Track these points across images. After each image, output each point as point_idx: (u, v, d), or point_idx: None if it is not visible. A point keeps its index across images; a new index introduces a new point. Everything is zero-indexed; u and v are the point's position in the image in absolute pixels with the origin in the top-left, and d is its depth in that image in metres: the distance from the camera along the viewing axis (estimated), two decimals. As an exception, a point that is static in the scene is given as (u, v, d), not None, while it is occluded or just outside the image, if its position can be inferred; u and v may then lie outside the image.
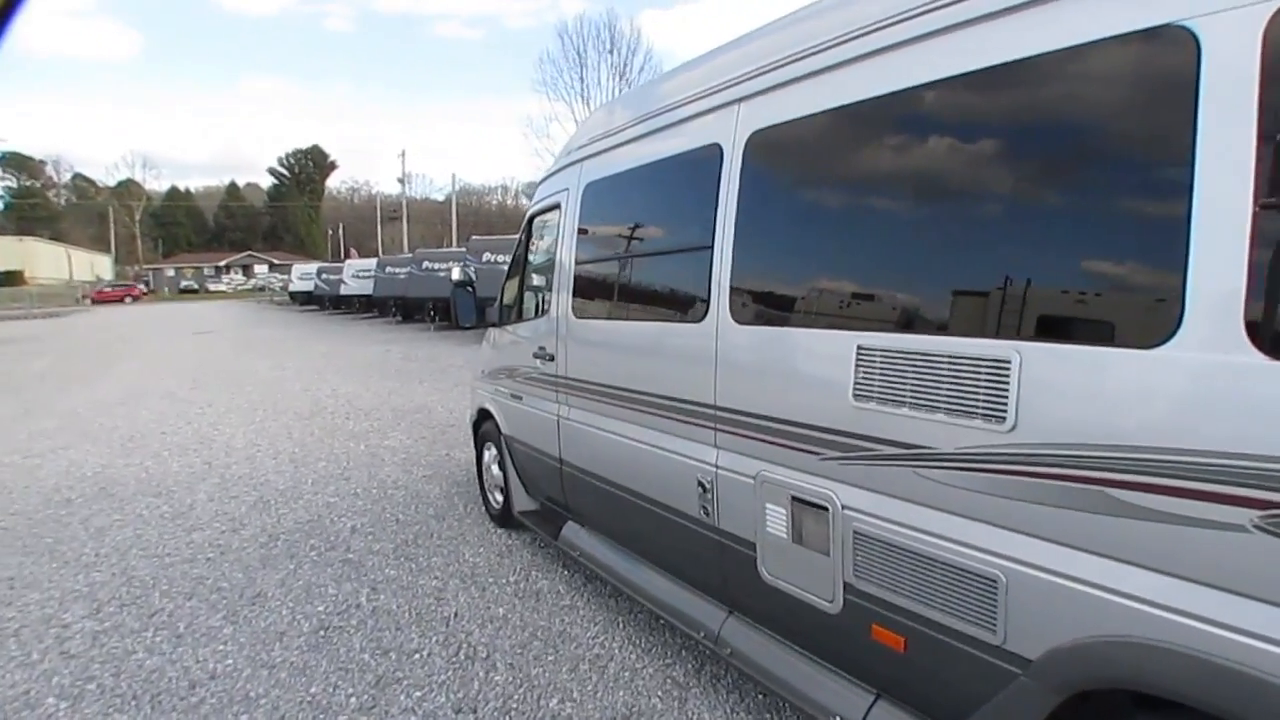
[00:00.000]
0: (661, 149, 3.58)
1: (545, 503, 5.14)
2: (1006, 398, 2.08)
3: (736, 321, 3.00)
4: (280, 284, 61.77)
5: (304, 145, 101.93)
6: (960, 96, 2.28)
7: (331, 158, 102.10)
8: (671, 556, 3.69)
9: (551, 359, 4.46)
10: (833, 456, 2.61)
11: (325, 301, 42.15)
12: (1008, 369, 2.07)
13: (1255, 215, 1.63)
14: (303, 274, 47.62)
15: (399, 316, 31.48)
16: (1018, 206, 2.21)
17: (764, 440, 2.88)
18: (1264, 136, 1.63)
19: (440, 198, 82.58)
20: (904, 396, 2.36)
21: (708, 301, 3.12)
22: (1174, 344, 1.76)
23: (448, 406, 11.51)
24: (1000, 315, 2.16)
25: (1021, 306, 2.13)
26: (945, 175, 2.38)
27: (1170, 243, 1.76)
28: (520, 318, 5.19)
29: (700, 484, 3.23)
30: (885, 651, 2.52)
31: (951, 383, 2.22)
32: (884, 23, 2.46)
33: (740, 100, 3.06)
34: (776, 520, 2.85)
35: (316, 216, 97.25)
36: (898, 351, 2.38)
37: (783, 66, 2.86)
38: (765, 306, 2.97)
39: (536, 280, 5.08)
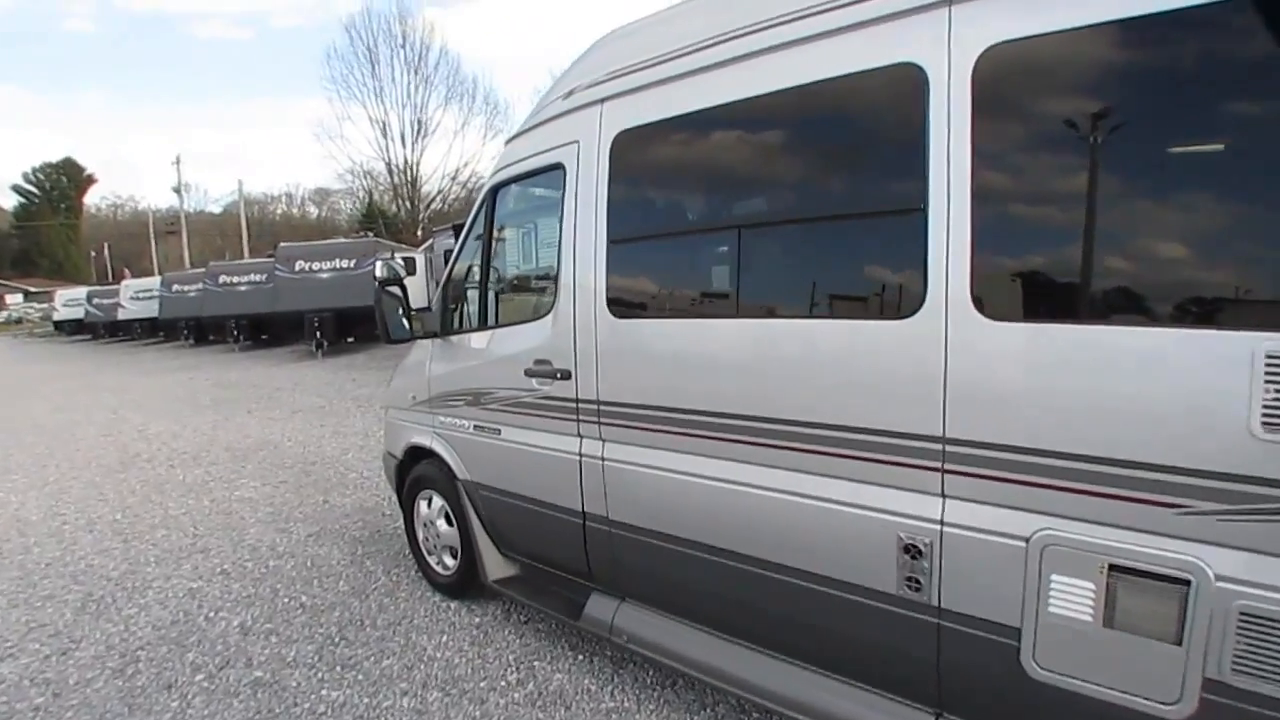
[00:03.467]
0: (781, 75, 2.50)
1: (533, 565, 3.89)
2: None
3: (989, 315, 2.04)
4: (40, 313, 53.62)
5: (53, 159, 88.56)
6: None
7: (88, 171, 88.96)
8: (833, 646, 2.63)
9: (565, 376, 3.25)
10: (1208, 510, 1.75)
11: (99, 329, 36.79)
12: None
13: None
14: (69, 300, 41.40)
15: (191, 339, 27.91)
16: None
17: (1051, 487, 1.98)
18: None
19: (218, 209, 75.12)
20: None
21: (923, 287, 2.15)
22: None
23: (295, 439, 9.66)
24: None
25: None
26: None
27: None
28: (485, 324, 3.91)
29: (908, 548, 2.25)
30: None
31: None
32: None
33: (953, 1, 2.09)
34: (1072, 597, 1.96)
35: (76, 236, 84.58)
36: None
37: None
38: (1054, 293, 2.04)
39: (514, 272, 3.84)
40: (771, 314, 2.68)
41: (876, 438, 2.30)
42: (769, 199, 2.78)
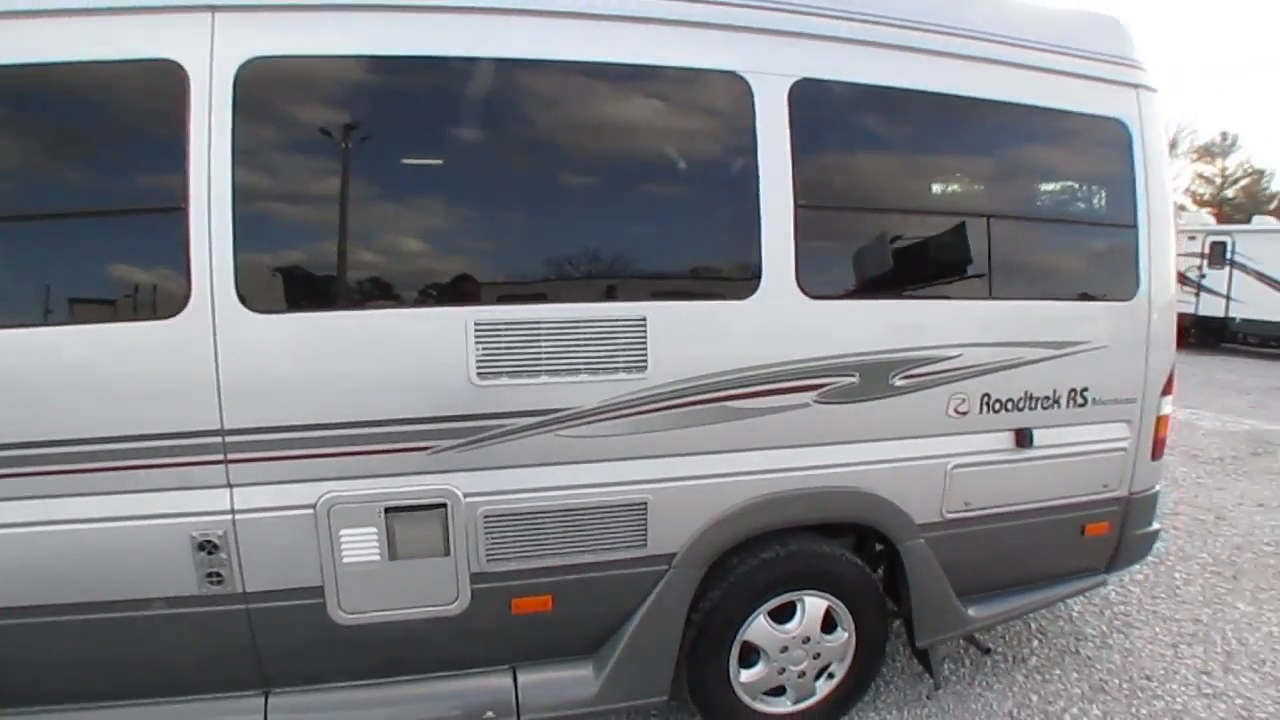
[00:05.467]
0: (24, 47, 2.18)
1: None
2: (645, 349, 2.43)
3: (254, 309, 2.22)
4: None
5: None
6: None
7: None
8: (144, 672, 2.47)
9: None
10: (449, 446, 2.36)
11: None
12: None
13: (796, 214, 2.54)
14: None
15: None
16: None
17: (328, 455, 2.33)
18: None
19: None
20: (540, 365, 2.37)
21: (187, 286, 2.19)
22: (760, 294, 2.52)
23: None
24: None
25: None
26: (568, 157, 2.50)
27: (751, 234, 2.53)
28: None
29: (203, 544, 2.29)
30: (527, 620, 2.55)
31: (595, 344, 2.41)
32: None
33: (216, 8, 2.19)
34: (362, 543, 2.37)
35: None
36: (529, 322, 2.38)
37: None
38: (313, 285, 2.35)
39: None
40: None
41: (153, 443, 2.24)
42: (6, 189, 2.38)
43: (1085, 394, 3.07)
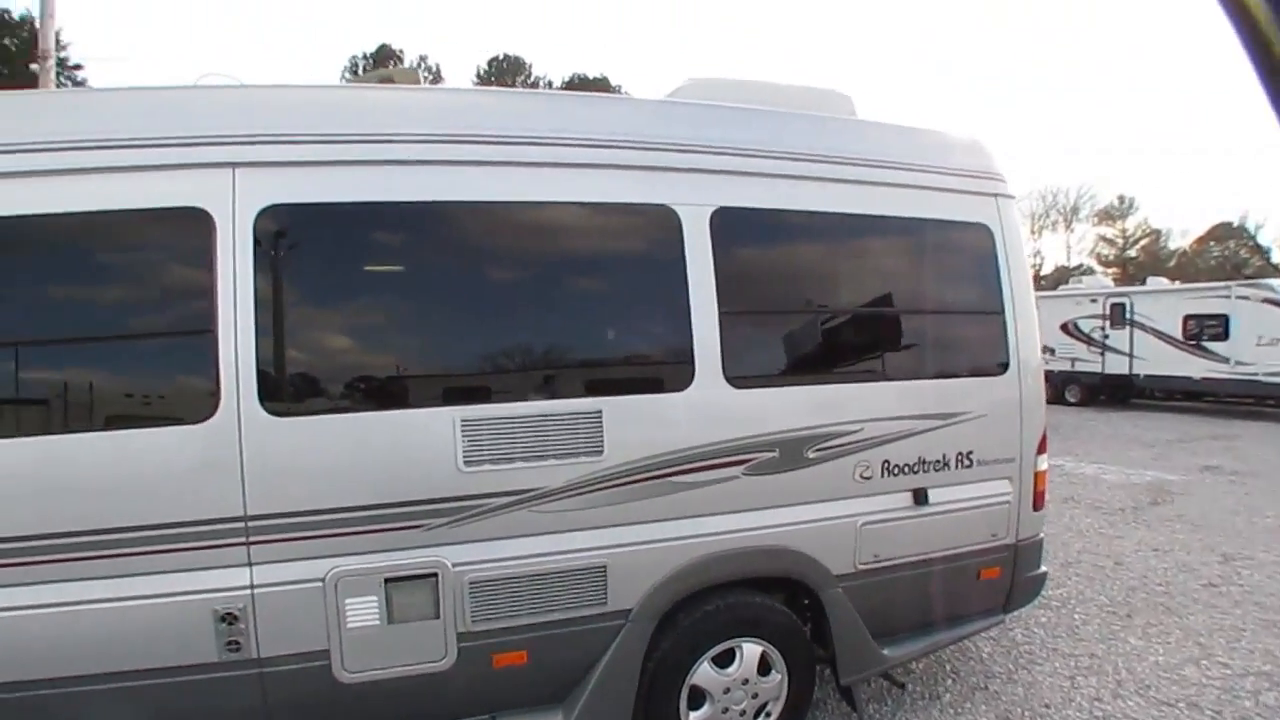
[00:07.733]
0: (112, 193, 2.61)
1: None
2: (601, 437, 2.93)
3: (273, 412, 2.64)
4: None
5: None
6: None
7: None
8: None
9: None
10: (440, 524, 2.79)
11: None
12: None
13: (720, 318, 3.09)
14: None
15: None
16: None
17: (335, 535, 2.71)
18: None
19: None
20: (515, 453, 2.83)
21: (217, 392, 2.59)
22: (693, 387, 3.04)
23: None
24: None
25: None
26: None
27: (684, 336, 3.05)
28: None
29: (224, 617, 2.63)
30: (505, 673, 2.92)
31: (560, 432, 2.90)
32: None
33: (237, 165, 2.67)
34: (364, 609, 2.74)
35: None
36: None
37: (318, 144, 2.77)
38: (325, 391, 2.83)
39: None
40: (54, 429, 2.62)
41: (180, 529, 2.58)
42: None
43: (971, 456, 3.65)
